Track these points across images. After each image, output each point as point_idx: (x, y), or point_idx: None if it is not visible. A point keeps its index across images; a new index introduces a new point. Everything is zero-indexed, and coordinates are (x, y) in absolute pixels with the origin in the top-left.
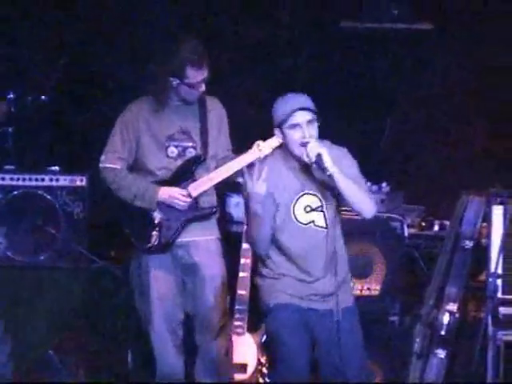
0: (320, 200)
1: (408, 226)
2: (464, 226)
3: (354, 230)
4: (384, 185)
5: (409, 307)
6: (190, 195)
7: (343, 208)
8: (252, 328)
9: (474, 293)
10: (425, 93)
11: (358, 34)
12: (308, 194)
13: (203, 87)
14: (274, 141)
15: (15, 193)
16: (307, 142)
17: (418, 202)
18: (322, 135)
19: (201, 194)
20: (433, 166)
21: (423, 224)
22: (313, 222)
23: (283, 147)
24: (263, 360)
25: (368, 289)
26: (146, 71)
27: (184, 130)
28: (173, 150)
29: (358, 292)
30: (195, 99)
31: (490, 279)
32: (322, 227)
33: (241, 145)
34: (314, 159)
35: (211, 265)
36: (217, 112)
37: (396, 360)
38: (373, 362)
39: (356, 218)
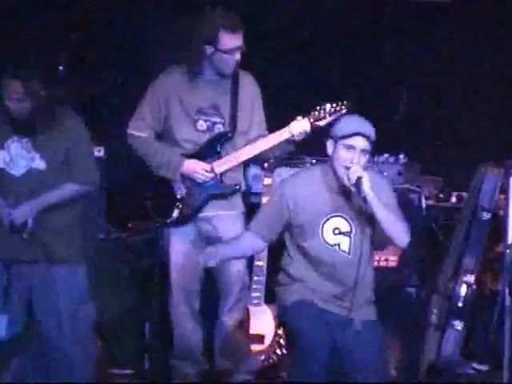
0: (350, 225)
1: (425, 198)
2: (481, 198)
3: None
4: (401, 156)
5: (426, 279)
6: (213, 171)
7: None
8: (269, 299)
9: (491, 264)
10: (442, 64)
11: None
12: (340, 216)
13: (238, 56)
14: (306, 125)
15: None
16: (351, 166)
17: (436, 174)
18: None
19: (226, 171)
20: (450, 137)
21: (441, 195)
22: (338, 245)
23: (327, 163)
24: (280, 331)
25: (385, 260)
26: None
27: (214, 105)
28: (202, 124)
29: (375, 263)
30: (231, 70)
31: (507, 251)
32: (344, 252)
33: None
34: (353, 181)
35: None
36: (250, 89)
37: (413, 331)
38: (390, 333)
39: None
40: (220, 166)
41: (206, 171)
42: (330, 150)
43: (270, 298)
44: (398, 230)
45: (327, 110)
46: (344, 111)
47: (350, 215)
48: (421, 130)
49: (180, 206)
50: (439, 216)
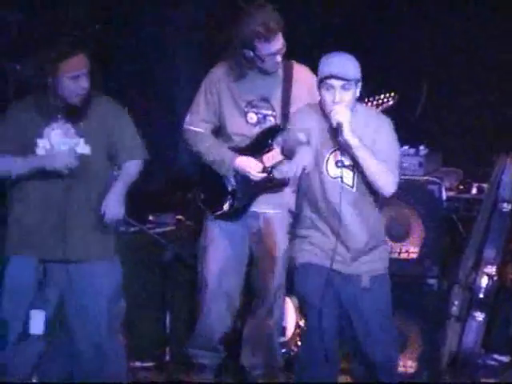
0: (352, 160)
1: (446, 189)
2: (502, 189)
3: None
4: (422, 147)
5: (447, 270)
6: (265, 168)
7: None
8: (291, 291)
9: (511, 256)
10: (464, 53)
11: None
12: (343, 150)
13: (278, 59)
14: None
15: None
16: (333, 108)
17: (456, 165)
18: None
19: (275, 164)
20: (471, 129)
21: (461, 187)
22: (340, 177)
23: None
24: (302, 323)
25: (406, 251)
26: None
27: (264, 98)
28: (252, 117)
29: (396, 255)
30: (273, 70)
31: None
32: (348, 185)
33: None
34: (335, 125)
35: (276, 236)
36: (304, 82)
37: (434, 323)
38: (411, 325)
39: None
40: (269, 159)
41: (258, 172)
42: (318, 92)
43: (291, 289)
44: (381, 179)
45: (374, 102)
46: (391, 103)
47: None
48: (441, 121)
49: (231, 199)
50: (460, 207)
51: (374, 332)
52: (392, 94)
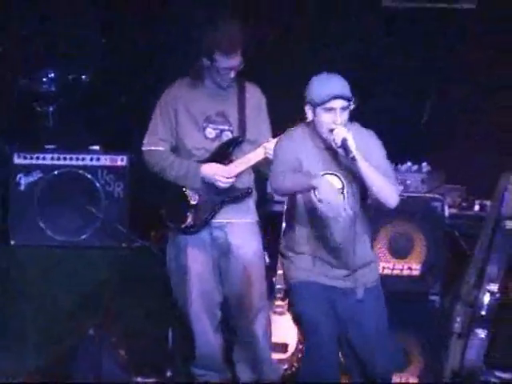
0: (342, 182)
1: (449, 206)
2: (504, 207)
3: (394, 210)
4: (424, 164)
5: (449, 287)
6: (229, 177)
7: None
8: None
9: None
10: (465, 72)
11: (399, 13)
12: (330, 174)
13: (232, 74)
14: None
15: (56, 172)
16: (335, 128)
17: (459, 182)
18: (361, 116)
19: (238, 174)
20: (474, 146)
21: (464, 204)
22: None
23: (312, 126)
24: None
25: (409, 268)
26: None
27: (221, 113)
28: (210, 132)
29: (399, 271)
30: (225, 84)
31: None
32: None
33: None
34: (339, 144)
35: (246, 246)
36: (256, 99)
37: (436, 340)
38: (412, 342)
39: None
40: (232, 169)
41: (225, 177)
42: (309, 116)
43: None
44: (385, 192)
45: None
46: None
47: (340, 173)
48: (444, 139)
49: (194, 212)
50: (462, 224)
51: (371, 342)
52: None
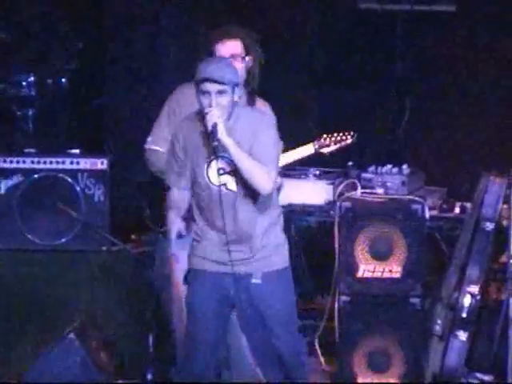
0: (233, 165)
1: (429, 208)
2: (485, 208)
3: (374, 212)
4: (405, 167)
5: (430, 289)
6: None
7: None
8: None
9: (494, 275)
10: (445, 75)
11: (376, 15)
12: (222, 157)
13: (239, 64)
14: (310, 150)
15: (36, 176)
16: (209, 111)
17: (439, 184)
18: (339, 116)
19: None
20: (453, 148)
21: (444, 206)
22: (224, 184)
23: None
24: None
25: (389, 271)
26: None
27: None
28: None
29: (379, 274)
30: None
31: (511, 261)
32: (231, 190)
33: None
34: (210, 128)
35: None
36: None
37: (417, 342)
38: (394, 344)
39: (377, 200)
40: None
41: None
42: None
43: None
44: (255, 179)
45: (333, 138)
46: (349, 141)
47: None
48: (424, 140)
49: None
50: (443, 226)
51: (272, 326)
52: (351, 133)
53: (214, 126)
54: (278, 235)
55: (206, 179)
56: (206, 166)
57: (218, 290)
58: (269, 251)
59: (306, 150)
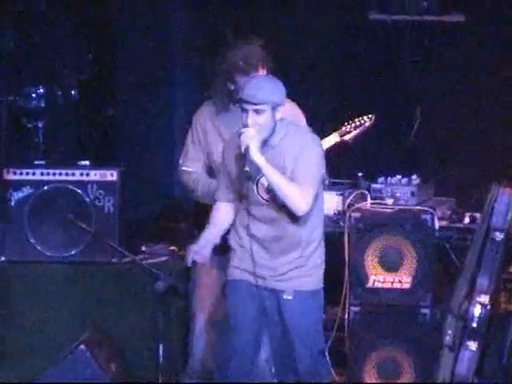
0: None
1: (439, 219)
2: (494, 218)
3: (384, 222)
4: (414, 177)
5: (440, 300)
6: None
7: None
8: None
9: (505, 285)
10: (455, 86)
11: (386, 26)
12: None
13: None
14: (335, 139)
15: (46, 188)
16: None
17: (449, 195)
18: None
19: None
20: (463, 158)
21: (454, 216)
22: (274, 200)
23: None
24: None
25: (399, 281)
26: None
27: None
28: None
29: (389, 284)
30: None
31: None
32: (275, 206)
33: None
34: (243, 150)
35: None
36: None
37: (427, 353)
38: (404, 354)
39: (387, 210)
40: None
41: None
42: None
43: None
44: (289, 200)
45: (352, 124)
46: (368, 123)
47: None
48: (434, 151)
49: None
50: (452, 236)
51: (296, 345)
52: (369, 115)
53: (246, 148)
54: (317, 255)
55: (255, 192)
56: (256, 178)
57: (256, 300)
58: (305, 271)
59: (331, 139)
